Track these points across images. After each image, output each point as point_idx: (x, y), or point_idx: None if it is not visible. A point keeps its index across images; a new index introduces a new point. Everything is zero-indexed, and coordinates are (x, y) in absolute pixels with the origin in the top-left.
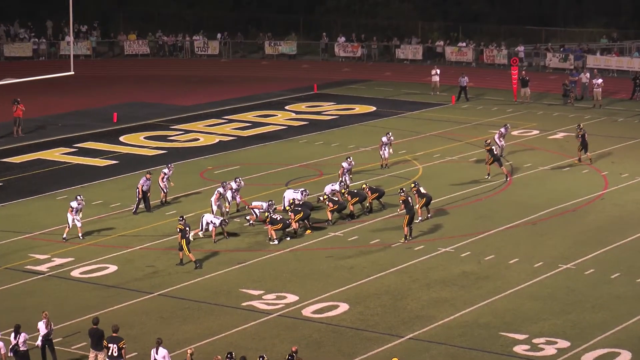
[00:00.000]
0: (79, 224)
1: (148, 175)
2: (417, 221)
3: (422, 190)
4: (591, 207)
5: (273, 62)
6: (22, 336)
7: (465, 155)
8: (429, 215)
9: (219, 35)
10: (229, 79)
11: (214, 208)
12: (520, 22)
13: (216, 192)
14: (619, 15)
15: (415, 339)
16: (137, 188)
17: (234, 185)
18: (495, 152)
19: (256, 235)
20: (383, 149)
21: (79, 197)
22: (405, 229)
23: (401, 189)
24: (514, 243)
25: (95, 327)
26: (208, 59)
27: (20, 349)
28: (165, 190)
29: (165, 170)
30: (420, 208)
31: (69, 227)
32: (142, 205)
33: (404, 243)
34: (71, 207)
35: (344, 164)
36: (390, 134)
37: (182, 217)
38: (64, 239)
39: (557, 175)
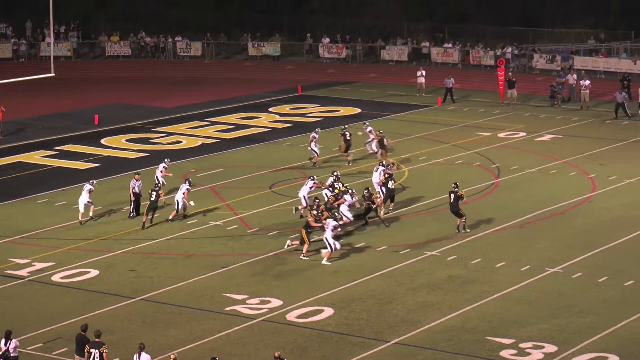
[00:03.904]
0: (92, 206)
1: (137, 177)
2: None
3: (391, 185)
4: (579, 210)
5: (256, 64)
6: (13, 342)
7: (451, 158)
8: (390, 208)
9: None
10: (212, 81)
11: (183, 203)
12: (506, 23)
13: (185, 189)
14: (606, 16)
15: (401, 343)
16: (129, 191)
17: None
18: (348, 138)
19: (239, 239)
20: (314, 144)
21: (94, 181)
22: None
23: (367, 189)
24: (501, 246)
25: (82, 333)
26: (190, 60)
27: (11, 355)
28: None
29: (161, 167)
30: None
31: (81, 211)
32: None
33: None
34: (90, 190)
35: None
36: (319, 129)
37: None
38: (80, 222)
39: (544, 177)
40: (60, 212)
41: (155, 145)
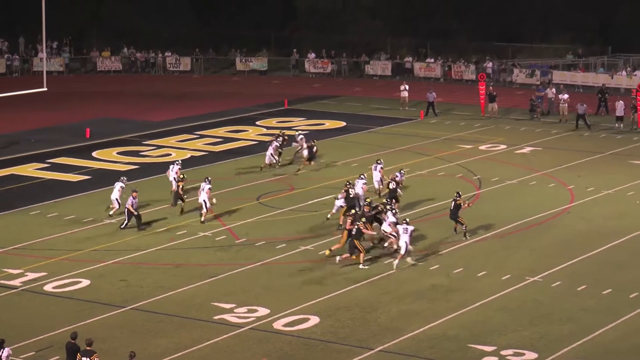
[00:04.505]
0: (117, 204)
1: (134, 194)
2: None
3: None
4: (558, 221)
5: (244, 78)
6: (6, 351)
7: (433, 170)
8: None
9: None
10: (201, 95)
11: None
12: (488, 38)
13: (207, 188)
14: (584, 32)
15: (385, 351)
16: (126, 207)
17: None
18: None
19: (228, 249)
20: (272, 150)
21: (124, 178)
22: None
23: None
24: (482, 256)
25: (72, 341)
26: (180, 75)
27: None
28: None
29: (176, 168)
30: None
31: (118, 206)
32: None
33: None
34: (121, 188)
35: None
36: (280, 139)
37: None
38: (110, 215)
39: (524, 189)
40: (52, 223)
41: (145, 158)
